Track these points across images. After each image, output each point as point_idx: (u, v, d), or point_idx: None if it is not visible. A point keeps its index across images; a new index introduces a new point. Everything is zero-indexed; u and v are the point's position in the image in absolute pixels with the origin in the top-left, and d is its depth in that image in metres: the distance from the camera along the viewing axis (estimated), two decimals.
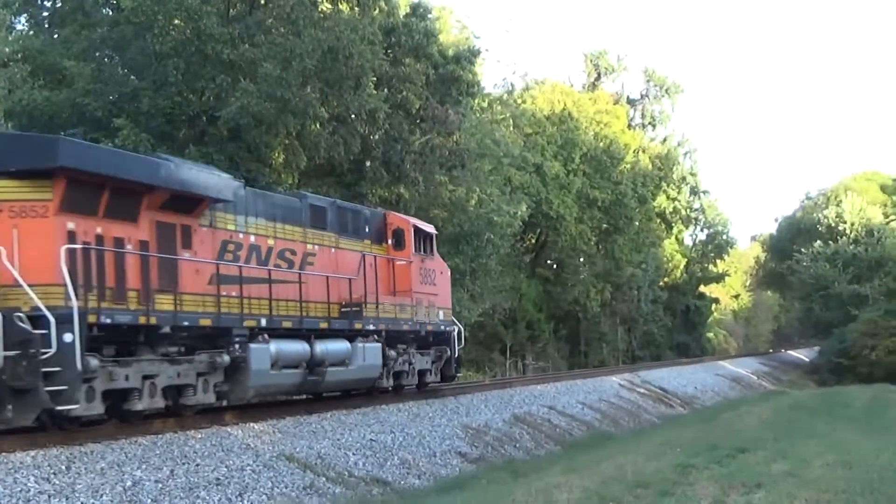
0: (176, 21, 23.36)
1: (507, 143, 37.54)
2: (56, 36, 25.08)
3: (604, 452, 16.34)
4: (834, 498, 10.06)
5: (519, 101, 48.61)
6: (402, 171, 27.97)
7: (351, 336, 19.03)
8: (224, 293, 15.57)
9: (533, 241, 49.71)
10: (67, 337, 12.01)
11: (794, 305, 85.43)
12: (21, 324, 11.63)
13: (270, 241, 17.36)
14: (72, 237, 12.71)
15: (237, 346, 15.84)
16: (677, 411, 31.93)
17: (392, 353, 20.68)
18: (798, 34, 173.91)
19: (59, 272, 12.30)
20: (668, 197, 66.94)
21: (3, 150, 12.49)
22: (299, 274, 17.57)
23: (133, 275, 13.63)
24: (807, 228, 77.72)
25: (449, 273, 24.53)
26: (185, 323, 14.65)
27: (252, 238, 16.94)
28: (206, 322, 15.10)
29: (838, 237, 72.18)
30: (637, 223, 54.85)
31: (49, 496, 10.45)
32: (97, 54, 24.50)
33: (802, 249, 72.09)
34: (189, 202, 14.99)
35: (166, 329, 14.31)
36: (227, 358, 15.63)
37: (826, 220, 75.00)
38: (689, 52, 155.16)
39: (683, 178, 70.19)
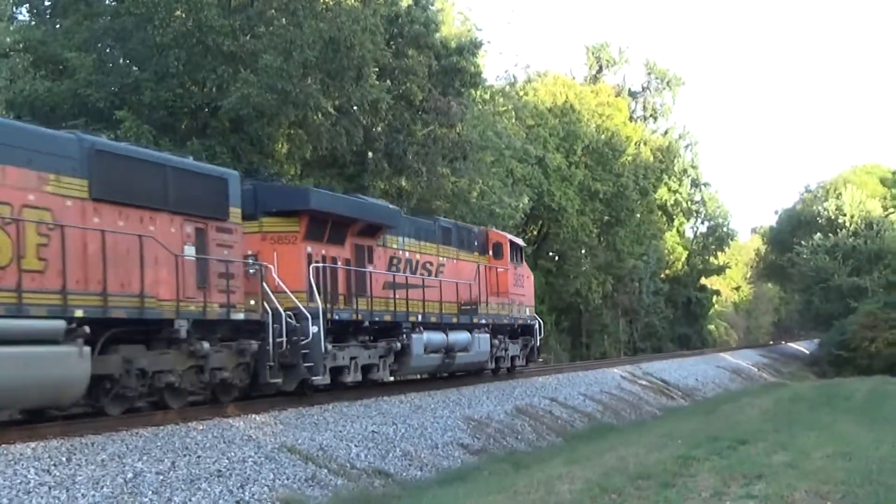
0: (177, 12, 23.47)
1: (508, 135, 37.57)
2: (58, 26, 25.04)
3: (605, 444, 16.42)
4: (834, 489, 10.07)
5: (521, 93, 48.36)
6: (405, 163, 28.16)
7: (469, 328, 24.49)
8: (395, 296, 21.11)
9: (535, 232, 49.17)
10: (314, 328, 17.34)
11: (794, 298, 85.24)
12: (289, 319, 16.72)
13: (417, 256, 23.00)
14: (309, 258, 18.48)
15: (404, 335, 21.28)
16: (678, 403, 31.82)
17: (495, 341, 26.33)
18: (799, 26, 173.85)
19: (306, 282, 17.97)
20: (669, 189, 66.67)
21: (269, 196, 18.27)
22: (440, 281, 23.42)
23: (343, 283, 19.39)
24: (807, 221, 77.29)
25: (533, 277, 30.54)
26: (377, 319, 20.30)
27: (407, 254, 22.57)
28: (388, 318, 20.79)
29: (838, 230, 71.97)
30: (638, 215, 54.55)
31: (49, 488, 10.44)
32: (98, 45, 24.49)
33: (802, 242, 71.82)
34: (373, 229, 20.72)
35: (366, 323, 19.79)
36: (398, 345, 21.09)
37: (826, 213, 74.78)
38: (690, 44, 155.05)
39: (684, 171, 69.70)
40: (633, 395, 30.02)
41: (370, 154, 27.84)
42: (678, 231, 73.49)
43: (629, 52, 66.38)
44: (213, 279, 15.18)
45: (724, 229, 78.23)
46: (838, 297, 67.17)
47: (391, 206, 22.42)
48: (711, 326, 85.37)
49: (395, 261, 22.14)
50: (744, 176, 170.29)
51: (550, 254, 49.82)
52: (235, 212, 16.05)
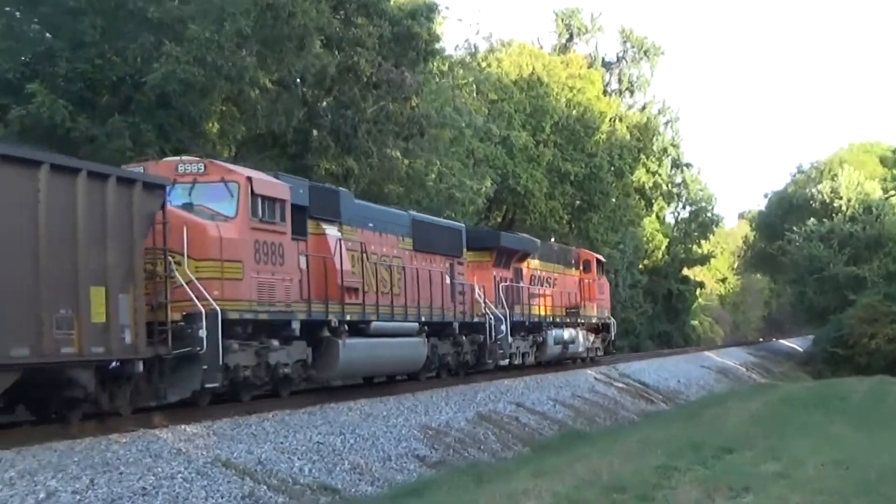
0: None
1: (469, 111, 37.67)
2: None
3: (577, 453, 16.54)
4: (828, 500, 10.23)
5: (483, 64, 48.33)
6: (353, 142, 28.26)
7: (574, 326, 35.74)
8: (534, 304, 32.26)
9: (499, 219, 48.96)
10: (503, 328, 28.56)
11: (785, 289, 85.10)
12: (479, 320, 27.65)
13: (543, 273, 34.07)
14: (496, 279, 29.31)
15: (544, 332, 32.85)
16: (659, 407, 32.09)
17: (590, 336, 37.64)
18: None
19: (495, 295, 29.08)
20: (647, 170, 66.58)
21: (472, 237, 29.09)
22: (556, 291, 34.62)
23: (512, 296, 30.29)
24: (799, 205, 77.46)
25: (608, 285, 43.08)
26: (534, 320, 32.19)
27: (538, 272, 33.67)
28: (536, 319, 32.24)
29: (833, 214, 72.19)
30: (614, 199, 54.46)
31: None
32: (7, 9, 24.38)
33: (794, 228, 71.75)
34: (524, 255, 31.94)
35: (527, 323, 31.40)
36: (540, 338, 32.72)
37: (820, 196, 75.04)
38: (670, 10, 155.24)
39: (664, 150, 69.79)
40: (608, 399, 30.15)
41: (314, 132, 28.00)
42: (658, 217, 73.56)
43: (602, 19, 66.93)
44: (457, 296, 26.82)
45: (709, 214, 78.20)
46: (834, 289, 67.19)
47: (534, 238, 35.28)
48: (695, 322, 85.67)
49: (532, 278, 33.39)
50: (730, 157, 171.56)
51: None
52: (464, 252, 27.68)
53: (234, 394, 18.33)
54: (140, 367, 15.36)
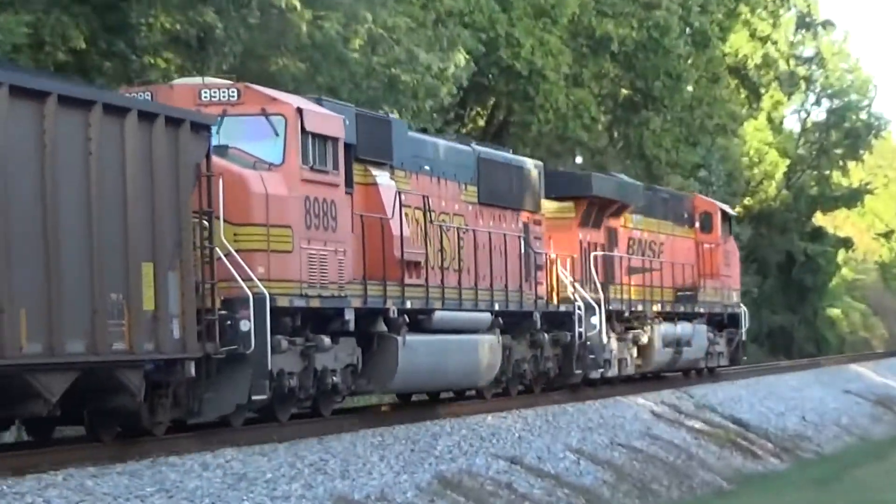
0: None
1: None
2: None
3: None
4: None
5: None
6: None
7: (690, 318, 31.82)
8: (634, 283, 29.19)
9: (481, 121, 42.87)
10: (595, 320, 25.44)
11: None
12: (564, 308, 25.49)
13: (645, 235, 30.44)
14: (583, 244, 26.80)
15: (649, 326, 28.96)
16: (767, 465, 29.02)
17: (710, 334, 33.58)
18: None
19: (580, 270, 26.13)
20: (752, 35, 58.35)
21: (548, 183, 25.16)
22: (662, 263, 30.87)
23: (604, 271, 27.33)
24: None
25: (737, 253, 38.10)
26: (636, 308, 28.82)
27: (637, 233, 29.91)
28: (640, 307, 28.92)
29: None
30: (690, 88, 45.55)
31: None
32: None
33: None
34: (621, 209, 28.61)
35: (626, 313, 28.26)
36: (644, 338, 28.60)
37: None
38: None
39: None
40: (675, 450, 26.79)
41: None
42: (771, 120, 65.05)
43: None
44: (534, 272, 24.04)
45: (864, 115, 67.77)
46: None
47: (634, 181, 31.55)
48: (835, 312, 75.64)
49: (631, 243, 29.39)
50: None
51: None
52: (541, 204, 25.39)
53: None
54: (192, 369, 15.24)
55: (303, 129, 17.04)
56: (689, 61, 45.80)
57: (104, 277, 13.64)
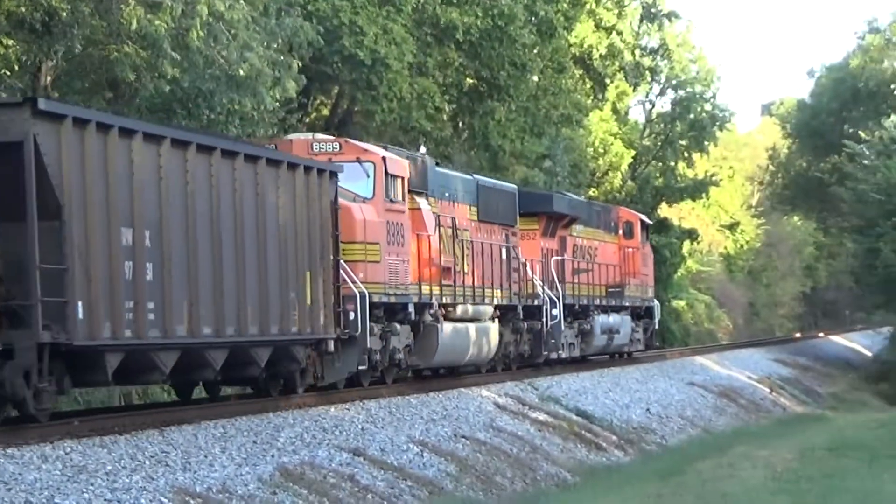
0: None
1: None
2: None
3: None
4: None
5: None
6: None
7: (617, 311, 39.55)
8: (579, 281, 36.49)
9: (326, 110, 43.74)
10: (556, 312, 32.29)
11: (843, 244, 78.01)
12: (537, 302, 32.95)
13: (585, 242, 37.55)
14: (543, 251, 33.92)
15: (591, 317, 36.39)
16: (611, 458, 29.44)
17: (633, 324, 41.93)
18: None
19: (547, 273, 33.48)
20: (597, 25, 59.86)
21: (521, 200, 32.73)
22: (602, 266, 38.74)
23: (558, 272, 34.49)
24: (870, 91, 68.95)
25: (653, 255, 45.83)
26: (582, 302, 36.17)
27: (579, 240, 37.14)
28: (584, 302, 36.43)
29: None
30: (536, 78, 46.80)
31: None
32: None
33: (862, 133, 63.99)
34: (571, 221, 36.05)
35: (576, 306, 35.61)
36: (587, 326, 36.16)
37: None
38: None
39: None
40: (520, 442, 27.20)
41: None
42: (616, 111, 66.66)
43: None
44: (512, 274, 31.28)
45: (708, 107, 69.16)
46: None
47: (580, 197, 42.01)
48: (680, 303, 76.43)
49: (575, 248, 36.13)
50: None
51: None
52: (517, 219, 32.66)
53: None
54: (332, 345, 22.48)
55: (385, 172, 24.30)
56: (535, 51, 46.14)
57: (288, 282, 21.07)
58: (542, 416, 30.72)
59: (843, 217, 71.04)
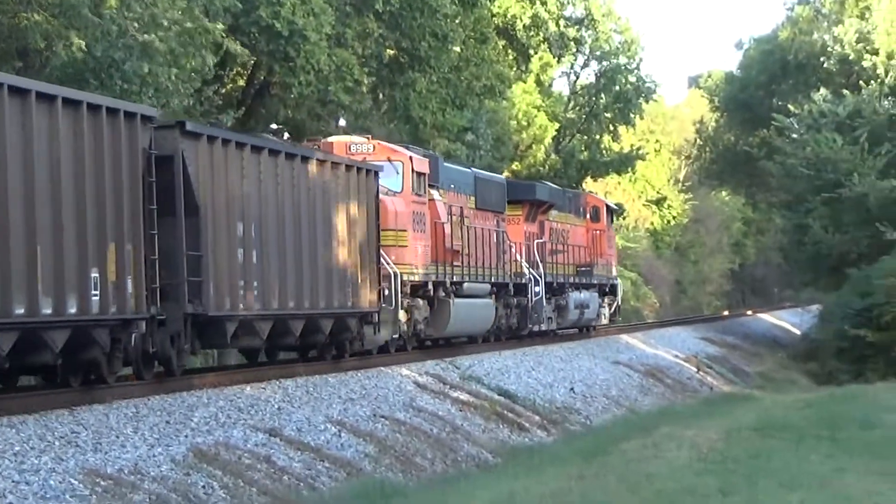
0: None
1: None
2: None
3: None
4: None
5: None
6: None
7: (587, 288, 45.42)
8: (556, 262, 41.98)
9: (241, 80, 43.39)
10: (538, 289, 38.22)
11: (772, 220, 79.84)
12: (523, 281, 38.81)
13: (559, 226, 42.88)
14: (526, 235, 39.41)
15: (567, 294, 42.22)
16: (534, 437, 29.79)
17: (600, 300, 48.01)
18: None
19: (525, 253, 38.63)
20: None
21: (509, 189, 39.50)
22: (573, 248, 44.28)
23: (539, 253, 40.05)
24: (800, 63, 68.60)
25: (615, 237, 54.06)
26: (559, 280, 41.78)
27: (555, 224, 42.37)
28: (560, 280, 41.86)
29: (864, 80, 63.79)
30: (457, 49, 46.68)
31: None
32: None
33: (791, 106, 63.42)
34: (549, 207, 41.48)
35: (554, 284, 40.96)
36: (563, 301, 41.87)
37: (838, 48, 66.58)
38: None
39: None
40: (440, 422, 27.46)
41: None
42: (540, 82, 67.72)
43: None
44: (502, 255, 36.86)
45: (633, 79, 69.74)
46: (861, 221, 58.57)
47: (557, 186, 47.16)
48: None
49: (552, 232, 41.13)
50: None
51: (276, 128, 43.64)
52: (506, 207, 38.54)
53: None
54: (376, 317, 27.72)
55: (412, 169, 29.72)
56: (457, 21, 45.97)
57: (346, 264, 26.20)
58: (463, 396, 30.84)
59: (772, 192, 71.40)
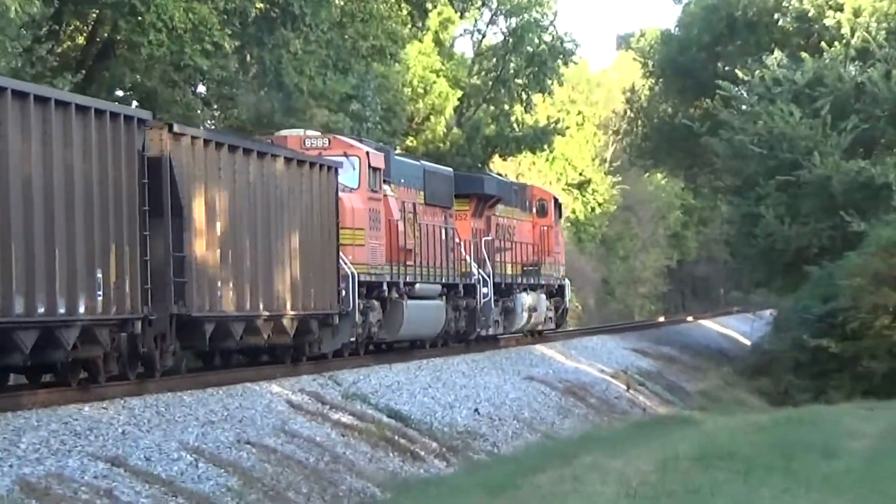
0: None
1: None
2: None
3: None
4: None
5: None
6: None
7: (534, 289, 48.98)
8: (503, 261, 45.71)
9: (81, 40, 44.35)
10: (486, 290, 42.41)
11: (716, 207, 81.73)
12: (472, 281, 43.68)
13: (504, 221, 46.47)
14: (473, 231, 43.47)
15: (515, 296, 45.94)
16: (430, 468, 29.98)
17: (547, 303, 51.97)
18: None
19: (478, 253, 43.15)
20: None
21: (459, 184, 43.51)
22: (520, 245, 48.08)
23: (486, 251, 44.46)
24: (749, 21, 68.14)
25: (563, 233, 60.35)
26: (507, 281, 45.89)
27: (501, 220, 46.10)
28: (508, 280, 45.83)
29: (827, 41, 63.59)
30: (339, 2, 47.71)
31: None
32: None
33: (739, 71, 63.79)
34: (496, 202, 45.42)
35: (503, 285, 45.08)
36: (511, 304, 45.61)
37: (795, 3, 66.10)
38: None
39: None
40: (317, 448, 27.60)
41: None
42: (439, 42, 69.12)
43: None
44: (450, 254, 40.49)
45: (548, 37, 70.51)
46: (821, 208, 59.57)
47: (504, 178, 53.78)
48: None
49: (498, 227, 44.73)
50: None
51: (120, 94, 44.73)
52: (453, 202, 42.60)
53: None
54: (336, 319, 31.59)
55: (369, 165, 33.10)
56: None
57: (310, 265, 30.01)
58: (345, 418, 30.92)
59: (717, 175, 72.00)
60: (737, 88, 64.44)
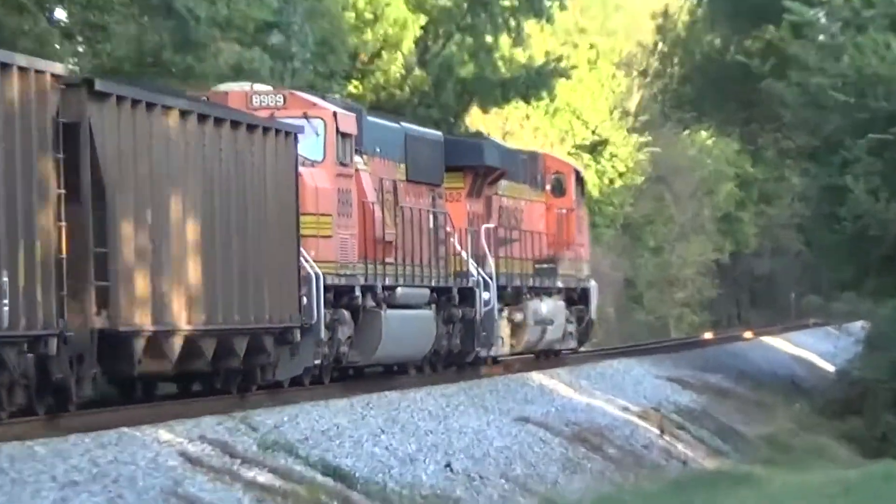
0: None
1: None
2: None
3: None
4: None
5: None
6: None
7: (549, 294, 51.84)
8: (508, 255, 48.62)
9: None
10: (489, 296, 44.14)
11: (784, 178, 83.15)
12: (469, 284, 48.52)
13: (510, 202, 48.95)
14: (470, 216, 46.15)
15: (523, 300, 48.80)
16: None
17: (567, 311, 55.46)
18: None
19: (477, 245, 45.71)
20: None
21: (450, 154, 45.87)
22: (529, 234, 50.95)
23: (494, 244, 48.74)
24: None
25: (587, 218, 61.35)
26: (515, 283, 49.23)
27: (505, 200, 48.42)
28: (517, 283, 48.77)
29: None
30: None
31: None
32: None
33: None
34: (499, 176, 47.32)
35: (508, 289, 48.01)
36: (519, 315, 48.34)
37: None
38: None
39: None
40: None
41: None
42: None
43: None
44: (439, 247, 42.06)
45: None
46: None
47: (506, 145, 55.85)
48: None
49: (502, 211, 46.31)
50: None
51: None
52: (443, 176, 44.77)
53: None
54: (297, 335, 31.81)
55: (337, 130, 33.29)
56: None
57: (263, 276, 30.54)
58: (263, 477, 30.37)
59: (785, 133, 72.80)
60: (812, 11, 64.12)
